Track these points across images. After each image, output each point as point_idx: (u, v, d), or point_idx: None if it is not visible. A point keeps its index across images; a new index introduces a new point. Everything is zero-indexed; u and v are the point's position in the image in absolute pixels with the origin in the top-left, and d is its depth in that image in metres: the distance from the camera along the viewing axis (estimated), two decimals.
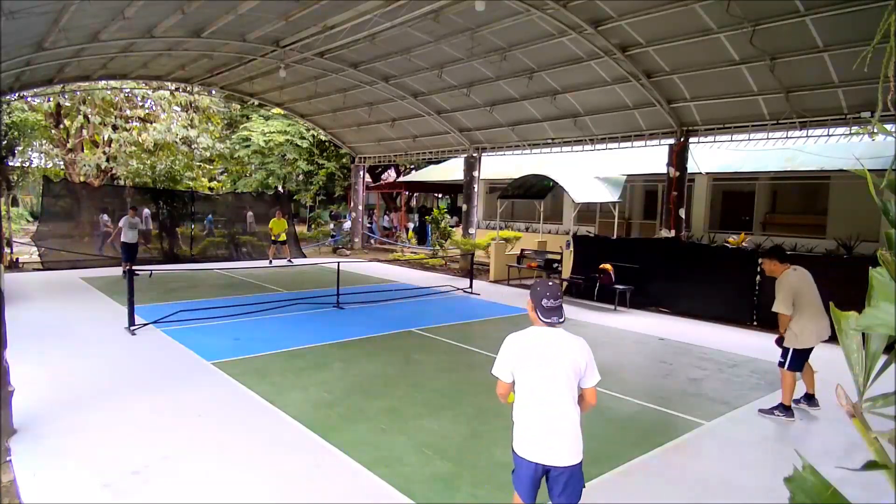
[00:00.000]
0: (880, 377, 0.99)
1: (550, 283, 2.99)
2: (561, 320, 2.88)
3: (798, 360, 5.50)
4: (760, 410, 5.64)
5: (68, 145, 23.73)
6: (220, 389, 5.90)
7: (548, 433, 2.78)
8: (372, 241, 24.28)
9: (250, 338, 7.99)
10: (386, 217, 27.49)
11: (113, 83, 20.67)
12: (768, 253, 5.69)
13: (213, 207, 20.27)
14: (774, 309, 5.40)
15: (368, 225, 26.26)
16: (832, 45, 9.29)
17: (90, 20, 10.39)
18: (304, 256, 19.06)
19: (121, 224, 13.16)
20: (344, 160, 26.02)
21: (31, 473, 4.00)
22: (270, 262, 16.66)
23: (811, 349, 5.54)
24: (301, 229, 24.63)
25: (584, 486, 2.91)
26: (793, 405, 5.60)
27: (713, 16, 9.52)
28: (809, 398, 5.74)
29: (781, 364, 5.57)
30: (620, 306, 11.28)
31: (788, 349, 5.49)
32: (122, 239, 12.99)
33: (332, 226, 26.38)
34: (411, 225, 22.52)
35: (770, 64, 10.04)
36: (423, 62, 14.11)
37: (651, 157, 15.37)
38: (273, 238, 17.07)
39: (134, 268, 11.94)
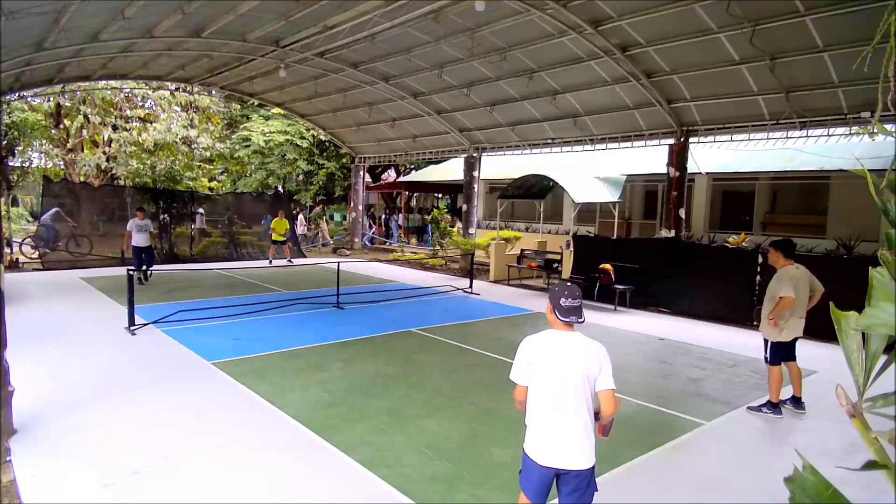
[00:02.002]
0: (880, 377, 0.99)
1: (569, 284, 2.96)
2: (580, 320, 2.84)
3: (778, 353, 5.60)
4: (749, 407, 5.71)
5: (68, 145, 23.75)
6: (220, 389, 5.90)
7: (559, 437, 2.78)
8: (390, 243, 24.22)
9: (250, 338, 7.99)
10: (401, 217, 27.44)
11: (113, 83, 20.68)
12: (777, 244, 5.75)
13: (266, 208, 20.56)
14: (781, 294, 5.42)
15: (387, 226, 26.26)
16: (832, 45, 9.29)
17: (90, 20, 10.39)
18: (304, 256, 19.07)
19: (128, 227, 12.37)
20: (344, 160, 26.03)
21: (31, 473, 3.99)
22: (270, 262, 16.68)
23: (789, 344, 5.63)
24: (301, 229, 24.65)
25: (597, 490, 2.89)
26: (781, 404, 5.66)
27: (713, 16, 9.52)
28: (796, 401, 5.77)
29: (766, 360, 5.70)
30: (620, 306, 11.27)
31: (768, 342, 5.63)
32: (132, 243, 12.23)
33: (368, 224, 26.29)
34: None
35: (770, 64, 10.04)
36: (423, 62, 14.11)
37: (651, 157, 15.37)
38: (273, 238, 17.10)
39: (136, 270, 11.93)
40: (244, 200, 21.75)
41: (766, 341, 5.68)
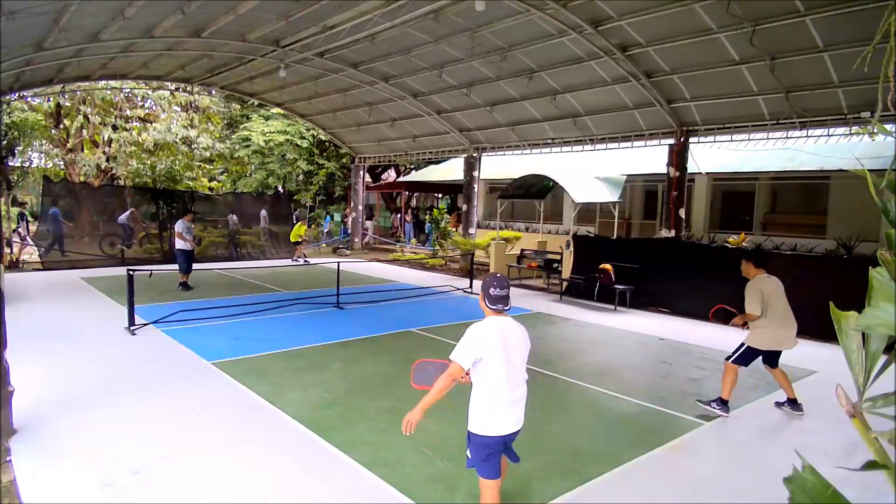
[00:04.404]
0: (880, 377, 0.99)
1: (499, 276, 3.32)
2: (507, 308, 3.21)
3: (746, 356, 5.60)
4: (699, 401, 5.68)
5: (68, 145, 23.72)
6: (220, 389, 5.90)
7: (513, 408, 3.15)
8: (400, 245, 24.29)
9: (250, 338, 7.99)
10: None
11: (113, 83, 20.67)
12: (748, 254, 5.88)
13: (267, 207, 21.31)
14: (747, 310, 5.54)
15: (396, 227, 26.23)
16: (832, 45, 9.29)
17: (90, 20, 10.39)
18: (305, 256, 19.10)
19: (179, 229, 11.72)
20: (344, 160, 26.03)
21: (31, 473, 4.00)
22: (297, 259, 17.75)
23: (769, 353, 5.63)
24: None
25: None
26: (777, 407, 5.76)
27: (713, 16, 9.52)
28: (793, 403, 5.78)
29: (728, 357, 5.69)
30: (620, 306, 11.27)
31: (743, 344, 5.62)
32: (179, 246, 11.69)
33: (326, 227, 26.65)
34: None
35: (770, 64, 10.04)
36: (423, 62, 14.11)
37: (651, 157, 15.37)
38: (293, 240, 18.31)
39: (184, 274, 11.75)
40: (244, 200, 21.87)
41: (742, 342, 5.68)
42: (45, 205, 16.32)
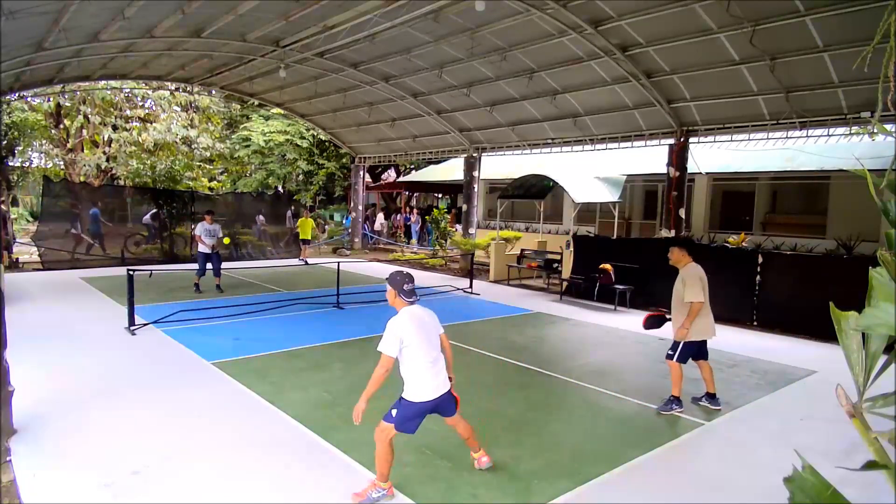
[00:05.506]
0: (880, 377, 0.99)
1: (405, 271, 3.90)
2: (418, 298, 3.85)
3: (686, 352, 5.61)
4: (660, 410, 5.64)
5: (68, 145, 23.75)
6: (221, 389, 5.90)
7: (435, 378, 3.77)
8: (401, 245, 24.24)
9: (250, 338, 7.99)
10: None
11: (113, 83, 20.69)
12: (679, 242, 5.85)
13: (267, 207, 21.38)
14: (689, 299, 5.48)
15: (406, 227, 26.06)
16: (832, 45, 9.29)
17: (90, 20, 10.39)
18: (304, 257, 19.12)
19: (197, 232, 11.63)
20: (344, 160, 26.02)
21: (31, 473, 4.00)
22: (303, 260, 17.51)
23: (700, 343, 5.67)
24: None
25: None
26: (694, 402, 5.83)
27: (713, 16, 9.52)
28: (711, 397, 5.82)
29: (670, 357, 5.66)
30: (620, 306, 11.27)
31: (679, 342, 5.60)
32: (199, 249, 11.60)
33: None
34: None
35: (770, 64, 10.04)
36: (423, 62, 14.11)
37: (651, 157, 15.37)
38: (302, 238, 18.06)
39: (199, 276, 11.58)
40: (264, 200, 22.00)
41: (676, 340, 5.65)
42: (46, 205, 16.34)
